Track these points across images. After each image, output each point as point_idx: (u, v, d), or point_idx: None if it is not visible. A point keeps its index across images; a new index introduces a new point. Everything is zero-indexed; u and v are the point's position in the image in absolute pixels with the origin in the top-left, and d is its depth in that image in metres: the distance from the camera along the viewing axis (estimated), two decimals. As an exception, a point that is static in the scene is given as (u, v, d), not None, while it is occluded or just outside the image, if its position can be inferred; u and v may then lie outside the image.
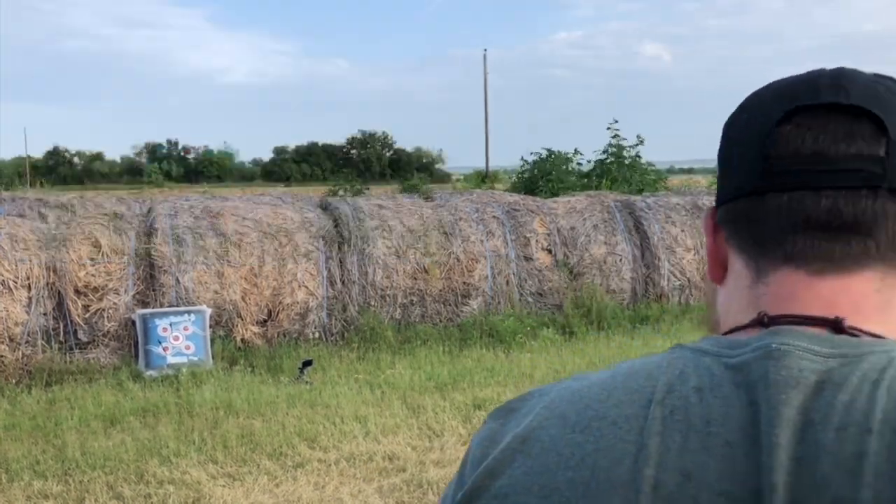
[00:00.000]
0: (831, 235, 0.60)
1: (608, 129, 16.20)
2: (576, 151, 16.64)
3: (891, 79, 0.65)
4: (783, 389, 0.55)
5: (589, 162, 16.81)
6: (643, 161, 16.13)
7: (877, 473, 0.51)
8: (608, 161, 15.97)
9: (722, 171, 0.68)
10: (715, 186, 0.71)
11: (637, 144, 16.08)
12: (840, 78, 0.62)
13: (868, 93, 0.61)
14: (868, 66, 0.67)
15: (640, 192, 13.30)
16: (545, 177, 15.76)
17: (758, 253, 0.64)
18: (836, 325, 0.59)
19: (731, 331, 0.63)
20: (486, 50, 39.36)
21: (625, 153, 16.03)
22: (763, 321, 0.61)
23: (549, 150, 16.67)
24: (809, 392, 0.55)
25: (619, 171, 15.58)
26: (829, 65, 0.67)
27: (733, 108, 0.70)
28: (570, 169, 16.36)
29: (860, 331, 0.59)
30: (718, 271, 0.68)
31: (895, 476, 0.50)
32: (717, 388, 0.57)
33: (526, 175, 16.71)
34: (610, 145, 16.15)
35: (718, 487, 0.53)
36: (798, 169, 0.60)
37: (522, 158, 17.26)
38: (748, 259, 0.65)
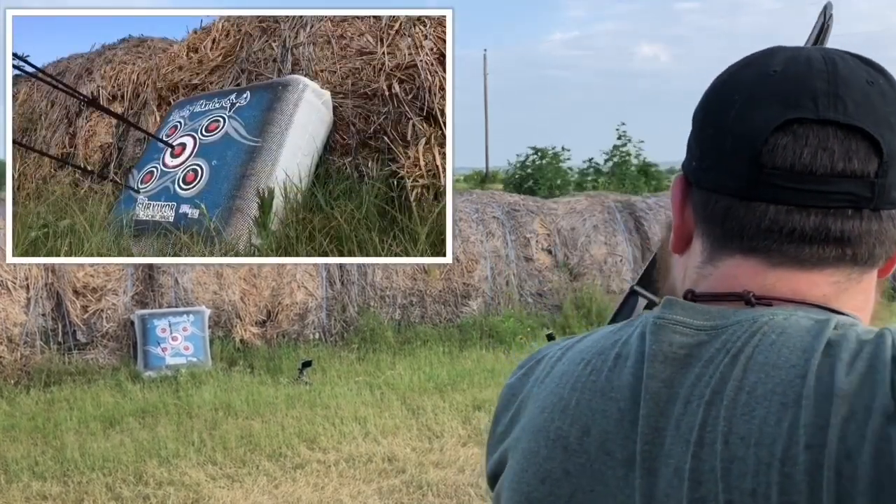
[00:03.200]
0: (808, 244, 0.62)
1: (616, 129, 16.18)
2: (563, 149, 16.57)
3: (881, 73, 0.64)
4: (653, 363, 0.60)
5: (585, 162, 16.78)
6: (645, 162, 16.13)
7: (708, 444, 0.56)
8: (618, 162, 15.93)
9: (703, 150, 0.66)
10: None
11: (638, 142, 16.03)
12: (836, 84, 0.61)
13: (863, 103, 0.61)
14: None
15: (655, 191, 13.28)
16: (539, 178, 15.70)
17: (721, 240, 0.65)
18: (747, 300, 0.62)
19: (666, 301, 0.67)
20: (485, 50, 39.32)
21: (632, 157, 16.01)
22: (688, 296, 0.65)
23: (535, 148, 16.54)
24: (678, 366, 0.60)
25: (626, 172, 15.55)
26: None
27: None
28: (562, 168, 16.29)
29: (772, 300, 0.62)
30: (682, 244, 0.70)
31: (726, 444, 0.55)
32: (629, 356, 0.63)
33: (517, 176, 16.66)
34: (615, 147, 16.11)
35: (606, 447, 0.61)
36: (791, 187, 0.61)
37: (509, 162, 17.24)
38: (708, 243, 0.66)
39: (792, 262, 0.63)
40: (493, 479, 0.71)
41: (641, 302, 1.08)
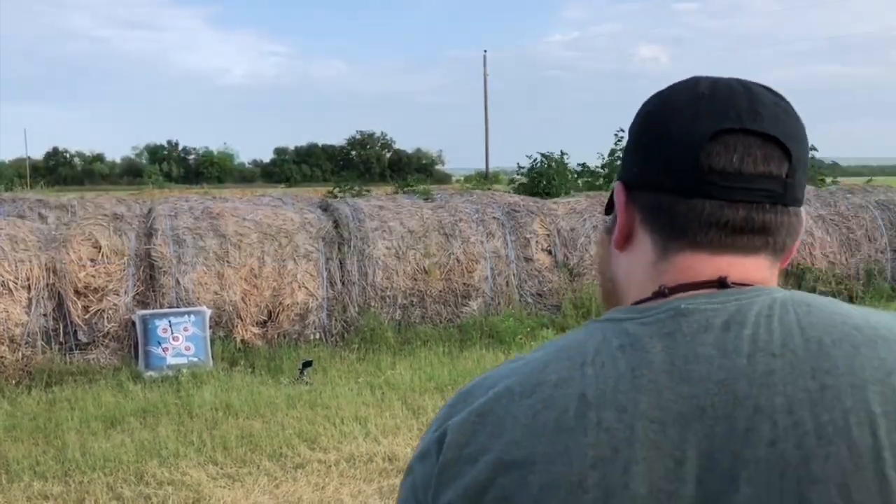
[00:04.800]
0: (740, 234, 0.74)
1: (615, 135, 16.17)
2: (562, 153, 16.54)
3: (781, 98, 0.78)
4: (696, 334, 0.68)
5: (581, 165, 16.76)
6: None
7: (785, 383, 0.64)
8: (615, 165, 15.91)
9: (640, 156, 0.79)
10: None
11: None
12: (754, 101, 0.75)
13: (775, 117, 0.74)
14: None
15: None
16: (546, 184, 15.68)
17: (669, 237, 0.76)
18: (722, 283, 0.72)
19: (637, 303, 0.75)
20: (485, 51, 39.38)
21: None
22: (664, 293, 0.73)
23: (543, 154, 16.54)
24: (719, 332, 0.68)
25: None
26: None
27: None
28: (569, 174, 16.27)
29: (744, 283, 0.73)
30: (625, 241, 0.80)
31: (798, 385, 0.64)
32: (637, 342, 0.69)
33: (525, 182, 16.63)
34: (612, 151, 16.11)
35: (651, 415, 0.65)
36: (724, 185, 0.73)
37: (518, 166, 17.20)
38: (658, 240, 0.77)
39: (731, 250, 0.74)
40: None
41: None
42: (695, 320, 0.69)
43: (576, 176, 16.40)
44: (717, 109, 0.75)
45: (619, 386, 0.66)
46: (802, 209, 0.78)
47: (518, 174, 17.32)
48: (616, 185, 0.82)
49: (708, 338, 0.67)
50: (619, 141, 16.09)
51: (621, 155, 0.96)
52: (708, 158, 0.73)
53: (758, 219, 0.74)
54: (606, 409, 0.66)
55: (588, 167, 16.42)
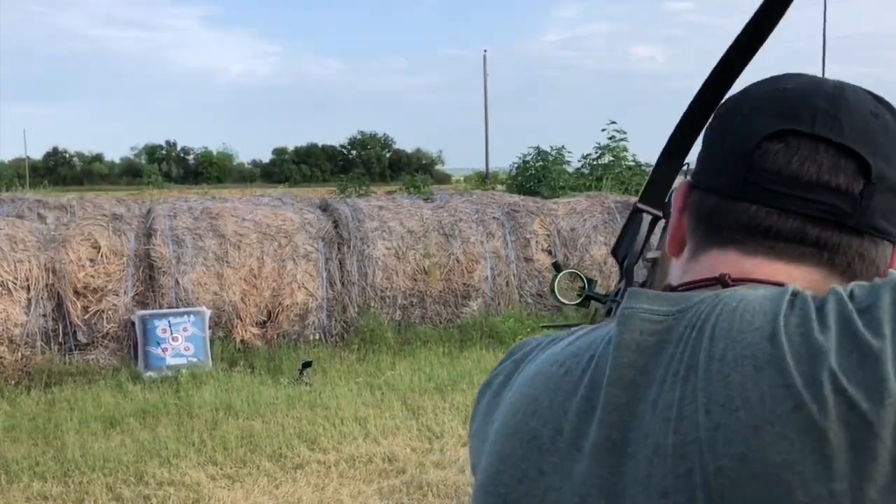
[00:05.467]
0: (785, 242, 0.64)
1: (603, 130, 16.14)
2: (561, 147, 16.52)
3: (890, 111, 0.66)
4: (625, 352, 0.61)
5: (580, 161, 16.73)
6: (641, 162, 16.07)
7: (687, 416, 0.56)
8: (609, 162, 15.91)
9: (707, 152, 0.71)
10: None
11: (621, 139, 15.94)
12: (838, 106, 0.64)
13: (861, 129, 0.63)
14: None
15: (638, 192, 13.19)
16: (541, 180, 15.66)
17: (705, 240, 0.68)
18: (723, 282, 0.64)
19: None
20: (485, 51, 39.46)
21: (623, 154, 15.96)
22: (673, 290, 0.67)
23: (537, 149, 16.51)
24: (651, 353, 0.60)
25: (616, 172, 15.51)
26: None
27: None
28: (563, 169, 16.24)
29: (744, 281, 0.63)
30: (677, 247, 0.72)
31: (708, 413, 0.55)
32: (603, 354, 0.64)
33: (520, 178, 16.62)
34: (607, 147, 16.08)
35: (577, 444, 0.62)
36: (776, 190, 0.63)
37: (513, 164, 17.20)
38: (695, 242, 0.69)
39: (768, 253, 0.64)
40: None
41: (646, 218, 1.13)
42: (628, 332, 0.63)
43: (580, 174, 16.32)
44: (789, 107, 0.65)
45: (567, 403, 0.64)
46: (889, 244, 0.65)
47: (514, 172, 17.30)
48: (681, 183, 0.74)
49: (637, 360, 0.61)
50: (612, 137, 16.05)
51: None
52: (762, 157, 0.64)
53: (812, 233, 0.63)
54: (546, 426, 0.64)
55: (592, 162, 16.34)
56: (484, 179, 25.87)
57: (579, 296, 1.24)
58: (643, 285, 1.25)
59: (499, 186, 19.85)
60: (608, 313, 1.19)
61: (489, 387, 0.75)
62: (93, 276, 7.36)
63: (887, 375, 0.52)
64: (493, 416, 0.70)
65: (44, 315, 7.17)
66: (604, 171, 15.70)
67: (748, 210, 0.65)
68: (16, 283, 7.09)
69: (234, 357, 7.50)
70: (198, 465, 4.99)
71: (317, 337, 8.03)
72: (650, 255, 1.20)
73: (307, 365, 6.97)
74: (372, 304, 8.24)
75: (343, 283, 8.22)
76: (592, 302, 1.24)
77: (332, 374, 7.01)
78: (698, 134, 0.98)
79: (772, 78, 0.70)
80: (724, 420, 0.55)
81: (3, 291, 7.04)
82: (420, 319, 8.42)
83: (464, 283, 8.64)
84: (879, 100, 0.67)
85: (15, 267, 7.10)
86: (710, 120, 0.73)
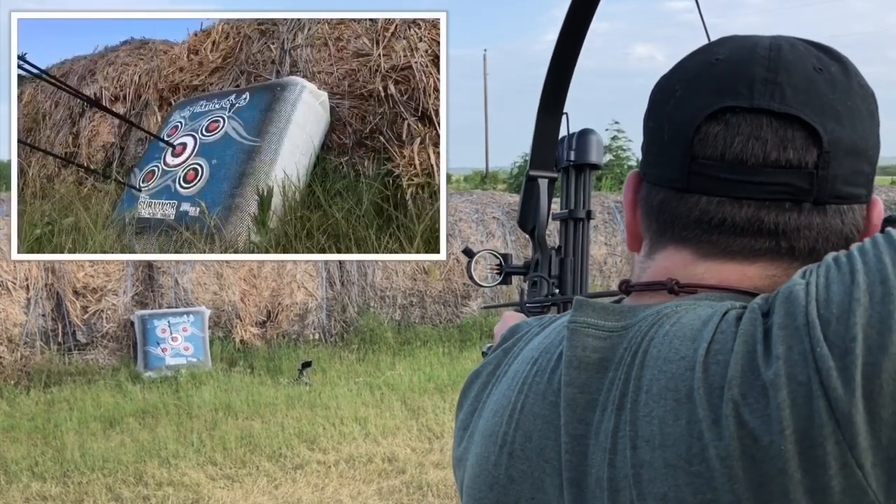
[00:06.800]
0: (740, 236, 0.59)
1: (606, 130, 16.19)
2: None
3: (837, 61, 0.60)
4: (569, 370, 0.59)
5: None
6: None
7: (620, 450, 0.54)
8: (609, 162, 15.94)
9: (648, 143, 0.65)
10: None
11: (623, 139, 15.98)
12: (776, 69, 0.58)
13: (805, 90, 0.57)
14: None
15: None
16: None
17: (658, 237, 0.64)
18: (671, 289, 0.60)
19: (592, 296, 0.71)
20: (485, 50, 39.37)
21: (624, 154, 16.01)
22: (622, 289, 0.66)
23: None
24: (593, 371, 0.58)
25: (617, 171, 15.55)
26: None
27: None
28: None
29: (697, 287, 0.60)
30: (636, 242, 0.68)
31: (635, 450, 0.53)
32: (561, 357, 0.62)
33: (520, 178, 16.64)
34: (608, 146, 16.12)
35: (545, 454, 0.60)
36: (722, 177, 0.58)
37: (514, 163, 17.22)
38: (649, 238, 0.65)
39: (723, 254, 0.60)
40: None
41: (543, 183, 1.14)
42: (572, 348, 0.60)
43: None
44: (724, 80, 0.59)
45: (535, 409, 0.63)
46: (858, 206, 0.61)
47: (512, 172, 17.32)
48: (629, 175, 0.69)
49: (578, 378, 0.59)
50: (615, 137, 16.10)
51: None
52: (702, 143, 0.59)
53: (768, 220, 0.58)
54: (519, 430, 0.63)
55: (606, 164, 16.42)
56: (484, 179, 25.89)
57: (499, 273, 1.25)
58: (558, 249, 1.27)
59: (499, 186, 19.86)
60: (532, 285, 1.20)
61: (478, 376, 0.72)
62: (92, 276, 7.36)
63: (783, 404, 0.48)
64: (481, 412, 0.68)
65: (43, 315, 7.18)
66: (604, 170, 15.71)
67: (698, 203, 0.59)
68: (15, 283, 7.09)
69: (233, 357, 7.50)
70: (197, 465, 4.99)
71: (316, 337, 8.04)
72: (557, 214, 1.22)
73: (307, 365, 6.97)
74: (371, 304, 8.24)
75: (343, 283, 8.23)
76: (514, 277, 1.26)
77: (332, 374, 7.01)
78: (567, 84, 1.01)
79: (702, 48, 0.64)
80: (647, 457, 0.52)
81: (3, 291, 7.04)
82: (420, 319, 8.42)
83: (464, 283, 8.64)
84: (823, 49, 0.61)
85: (14, 266, 7.10)
86: (646, 106, 0.66)
